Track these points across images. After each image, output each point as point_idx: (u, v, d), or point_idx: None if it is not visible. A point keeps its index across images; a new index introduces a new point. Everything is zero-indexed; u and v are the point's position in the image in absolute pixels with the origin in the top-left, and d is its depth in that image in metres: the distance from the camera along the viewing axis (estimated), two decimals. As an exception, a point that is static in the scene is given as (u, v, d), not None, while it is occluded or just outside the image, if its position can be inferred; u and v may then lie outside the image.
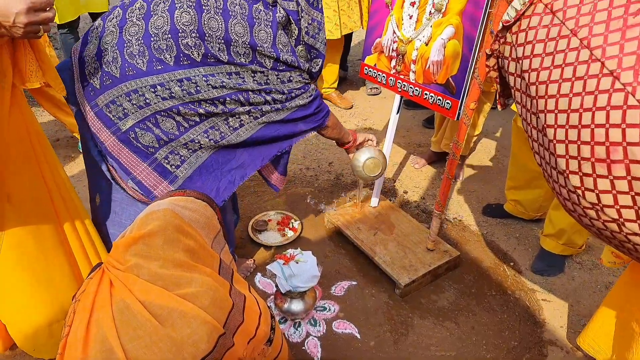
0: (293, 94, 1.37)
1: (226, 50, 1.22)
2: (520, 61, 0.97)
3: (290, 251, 1.63)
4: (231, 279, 1.06)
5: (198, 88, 1.23)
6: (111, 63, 1.22)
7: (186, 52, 1.20)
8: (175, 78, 1.21)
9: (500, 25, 1.02)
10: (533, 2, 0.95)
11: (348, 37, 3.52)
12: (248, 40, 1.23)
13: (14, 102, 1.11)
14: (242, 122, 1.33)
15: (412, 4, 1.73)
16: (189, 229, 0.94)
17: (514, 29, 0.99)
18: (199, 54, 1.21)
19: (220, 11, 1.21)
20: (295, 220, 2.18)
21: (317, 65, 1.44)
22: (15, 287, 1.27)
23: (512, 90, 1.06)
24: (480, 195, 2.45)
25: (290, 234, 2.10)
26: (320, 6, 1.36)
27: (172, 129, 1.27)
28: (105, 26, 1.26)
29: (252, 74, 1.28)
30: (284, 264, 1.58)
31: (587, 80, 0.82)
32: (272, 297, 1.73)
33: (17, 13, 0.87)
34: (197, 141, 1.30)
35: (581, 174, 0.84)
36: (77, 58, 1.30)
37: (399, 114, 2.01)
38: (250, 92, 1.29)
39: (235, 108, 1.29)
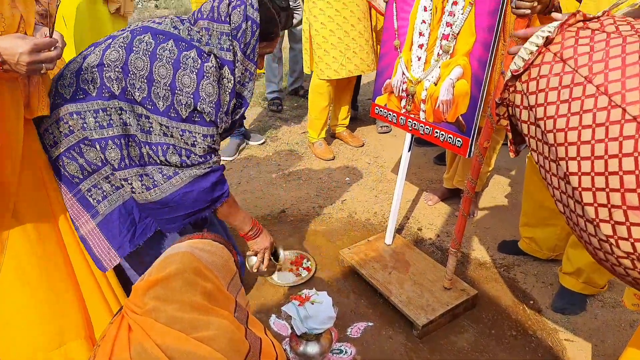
0: (189, 162, 1.36)
1: (146, 90, 1.29)
2: (534, 109, 0.96)
3: (305, 292, 1.61)
4: (246, 322, 1.05)
5: (111, 122, 1.31)
6: (51, 94, 1.35)
7: (107, 84, 1.29)
8: (92, 108, 1.30)
9: (509, 74, 1.02)
10: (541, 52, 0.94)
11: (358, 78, 3.61)
12: (169, 82, 1.28)
13: (26, 129, 1.21)
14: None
15: (420, 46, 1.79)
16: (207, 272, 0.95)
17: (524, 77, 0.98)
18: (119, 87, 1.30)
19: (149, 53, 1.29)
20: (309, 260, 2.17)
21: (237, 114, 1.46)
22: (13, 308, 1.25)
23: (527, 138, 1.04)
24: (495, 231, 2.42)
25: (304, 273, 2.09)
26: (254, 58, 1.41)
27: (95, 159, 1.35)
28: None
29: (159, 125, 1.32)
30: (299, 305, 1.56)
31: (609, 126, 0.81)
32: (288, 339, 1.70)
33: (21, 53, 0.97)
34: (124, 177, 1.37)
35: (613, 222, 0.81)
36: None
37: (410, 152, 2.03)
38: (147, 142, 1.35)
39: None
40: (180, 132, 1.32)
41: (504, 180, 2.95)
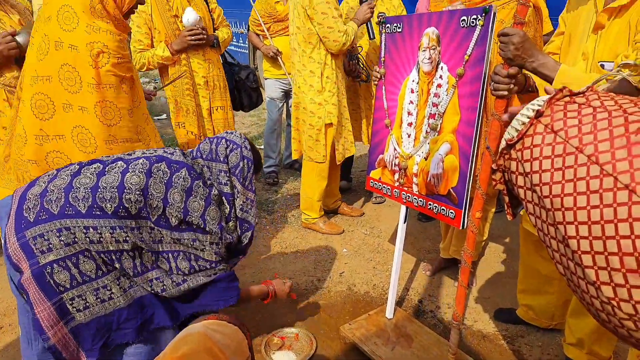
0: (197, 266, 1.49)
1: (162, 209, 1.41)
2: (529, 175, 0.99)
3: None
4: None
5: (127, 238, 1.36)
6: (53, 202, 1.34)
7: (126, 205, 1.35)
8: (109, 225, 1.34)
9: (504, 142, 1.07)
10: (532, 123, 0.99)
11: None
12: (182, 207, 1.43)
13: None
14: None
15: (410, 124, 1.90)
16: (220, 354, 0.95)
17: (518, 146, 1.02)
18: (136, 208, 1.37)
19: (164, 181, 1.42)
20: (309, 337, 2.12)
21: (246, 238, 1.64)
22: None
23: (523, 202, 1.06)
24: (495, 301, 2.40)
25: (305, 351, 2.03)
26: (253, 187, 1.63)
27: (90, 271, 1.35)
28: (58, 174, 1.41)
29: (170, 237, 1.45)
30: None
31: (602, 193, 0.84)
32: None
33: None
34: (108, 288, 1.39)
35: (613, 285, 0.83)
36: (19, 196, 1.39)
37: (406, 223, 2.07)
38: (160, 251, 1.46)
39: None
40: (191, 241, 1.46)
41: (499, 248, 2.97)
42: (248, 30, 4.05)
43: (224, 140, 1.57)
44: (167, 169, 1.44)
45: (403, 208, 2.04)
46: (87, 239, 1.32)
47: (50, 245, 1.31)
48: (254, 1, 3.78)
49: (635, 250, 0.79)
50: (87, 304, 1.36)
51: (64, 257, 1.31)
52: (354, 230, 3.24)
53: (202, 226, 1.45)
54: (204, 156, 1.58)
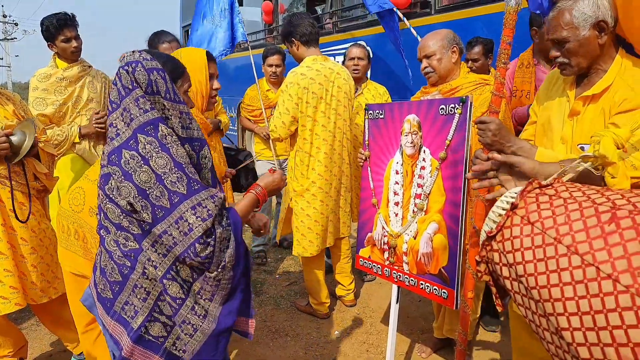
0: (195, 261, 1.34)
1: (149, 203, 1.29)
2: (514, 266, 0.99)
3: None
4: None
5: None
6: (114, 273, 1.33)
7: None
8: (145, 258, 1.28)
9: (484, 234, 1.08)
10: (509, 215, 1.01)
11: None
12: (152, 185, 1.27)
13: None
14: None
15: (396, 203, 1.95)
16: None
17: (498, 237, 1.03)
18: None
19: (122, 177, 1.29)
20: None
21: (205, 158, 1.38)
22: None
23: (511, 293, 1.05)
24: (495, 383, 2.30)
25: None
26: (180, 99, 1.35)
27: (172, 307, 1.31)
28: (101, 251, 1.39)
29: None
30: None
31: (587, 283, 0.83)
32: None
33: None
34: (188, 321, 1.32)
35: None
36: (93, 285, 1.41)
37: (398, 303, 2.04)
38: None
39: None
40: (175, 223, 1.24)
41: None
42: (239, 115, 4.25)
43: (120, 70, 1.28)
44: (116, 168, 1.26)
45: (395, 287, 2.03)
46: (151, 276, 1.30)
47: (136, 308, 1.32)
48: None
49: (629, 341, 0.78)
50: (185, 345, 1.33)
51: (149, 312, 1.31)
52: (346, 310, 3.16)
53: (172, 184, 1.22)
54: (115, 105, 1.29)
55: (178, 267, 1.28)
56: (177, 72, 1.40)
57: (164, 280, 1.28)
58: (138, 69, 1.27)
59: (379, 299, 3.30)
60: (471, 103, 1.61)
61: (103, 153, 1.34)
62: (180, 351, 1.33)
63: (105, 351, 1.63)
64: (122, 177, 1.23)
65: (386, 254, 2.00)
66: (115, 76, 1.31)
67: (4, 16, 34.45)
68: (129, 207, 1.25)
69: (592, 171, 1.12)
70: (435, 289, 1.76)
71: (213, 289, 1.31)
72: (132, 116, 1.26)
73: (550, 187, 1.03)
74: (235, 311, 1.39)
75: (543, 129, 1.55)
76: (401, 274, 1.92)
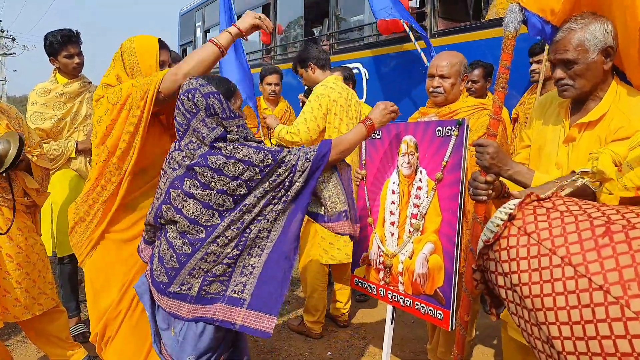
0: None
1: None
2: (509, 275, 1.01)
3: None
4: None
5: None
6: (173, 260, 1.55)
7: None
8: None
9: (482, 243, 1.11)
10: (507, 226, 1.04)
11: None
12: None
13: None
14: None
15: (392, 223, 1.96)
16: None
17: (495, 247, 1.06)
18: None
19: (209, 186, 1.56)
20: None
21: (289, 161, 1.62)
22: None
23: (505, 302, 1.07)
24: (489, 408, 2.27)
25: None
26: (235, 114, 1.59)
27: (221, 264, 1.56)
28: (154, 244, 1.69)
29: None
30: None
31: (579, 294, 0.86)
32: None
33: None
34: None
35: None
36: (149, 273, 1.64)
37: (392, 325, 2.03)
38: None
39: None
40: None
41: (487, 350, 2.89)
42: None
43: (181, 97, 1.53)
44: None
45: (389, 308, 2.01)
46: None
47: (191, 285, 1.53)
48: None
49: (617, 351, 0.80)
50: (245, 283, 1.54)
51: (205, 277, 1.53)
52: (338, 331, 3.12)
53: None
54: (184, 129, 1.55)
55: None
56: (229, 92, 1.60)
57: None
58: (197, 96, 1.50)
59: (372, 320, 3.27)
60: (467, 125, 1.64)
61: (171, 160, 1.57)
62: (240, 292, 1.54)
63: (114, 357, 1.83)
64: (214, 174, 1.48)
65: (381, 274, 2.00)
66: (177, 101, 1.55)
67: (2, 31, 34.54)
68: (220, 194, 1.49)
69: (589, 186, 1.14)
70: (430, 309, 1.75)
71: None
72: (203, 135, 1.51)
73: (548, 200, 1.05)
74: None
75: (538, 154, 1.57)
76: (396, 294, 1.91)
